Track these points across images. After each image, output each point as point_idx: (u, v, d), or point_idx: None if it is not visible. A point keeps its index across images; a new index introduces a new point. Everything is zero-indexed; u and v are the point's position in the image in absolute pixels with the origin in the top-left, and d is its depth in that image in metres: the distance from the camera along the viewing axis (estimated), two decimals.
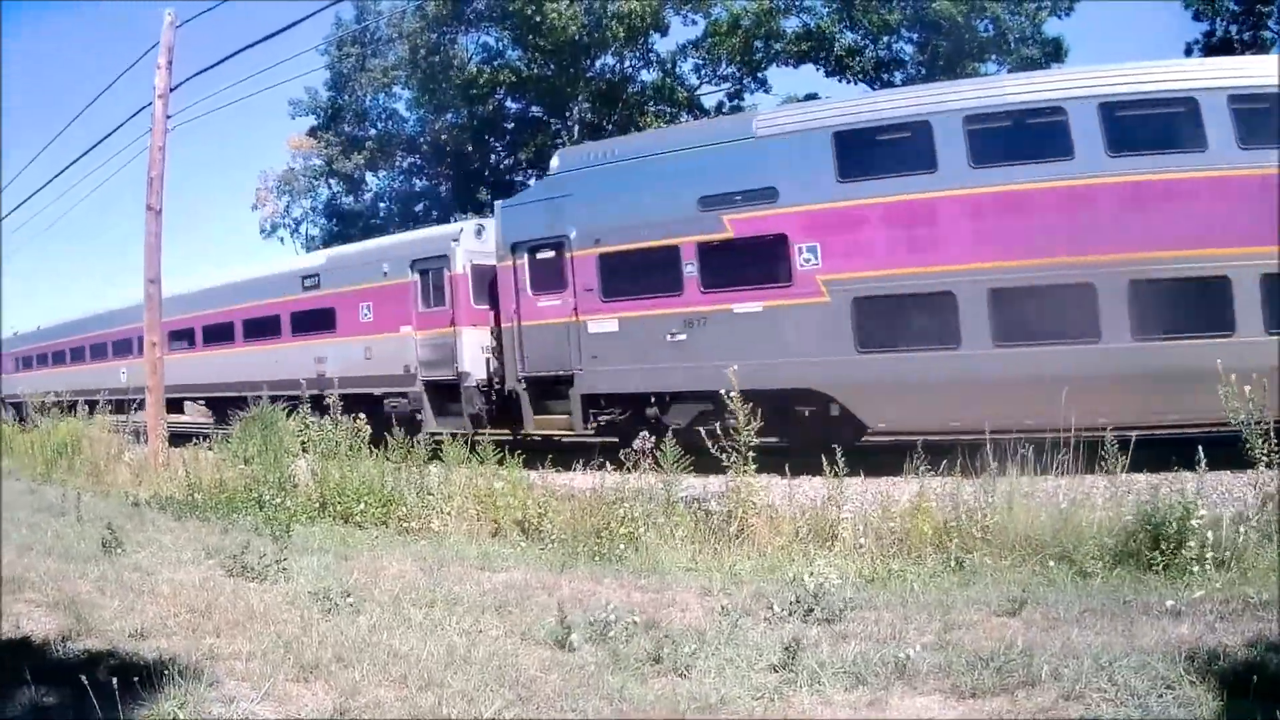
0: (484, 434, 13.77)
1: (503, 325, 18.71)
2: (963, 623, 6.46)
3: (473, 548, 10.14)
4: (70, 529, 10.86)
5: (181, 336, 27.44)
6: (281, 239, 61.10)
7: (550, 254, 17.61)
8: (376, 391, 21.04)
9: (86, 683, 5.45)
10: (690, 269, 15.90)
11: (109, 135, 26.47)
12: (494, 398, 19.33)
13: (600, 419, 17.17)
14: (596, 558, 9.24)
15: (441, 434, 16.18)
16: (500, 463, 11.84)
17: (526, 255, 17.91)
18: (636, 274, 16.64)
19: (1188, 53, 36.89)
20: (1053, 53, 39.31)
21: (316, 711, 5.30)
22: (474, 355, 19.57)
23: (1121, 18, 60.88)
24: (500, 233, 18.61)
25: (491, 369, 19.37)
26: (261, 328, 25.21)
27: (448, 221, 33.99)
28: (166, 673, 5.48)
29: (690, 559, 9.10)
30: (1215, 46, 36.00)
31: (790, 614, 6.84)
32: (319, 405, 15.49)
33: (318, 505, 12.43)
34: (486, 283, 19.42)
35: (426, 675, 5.69)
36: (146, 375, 18.44)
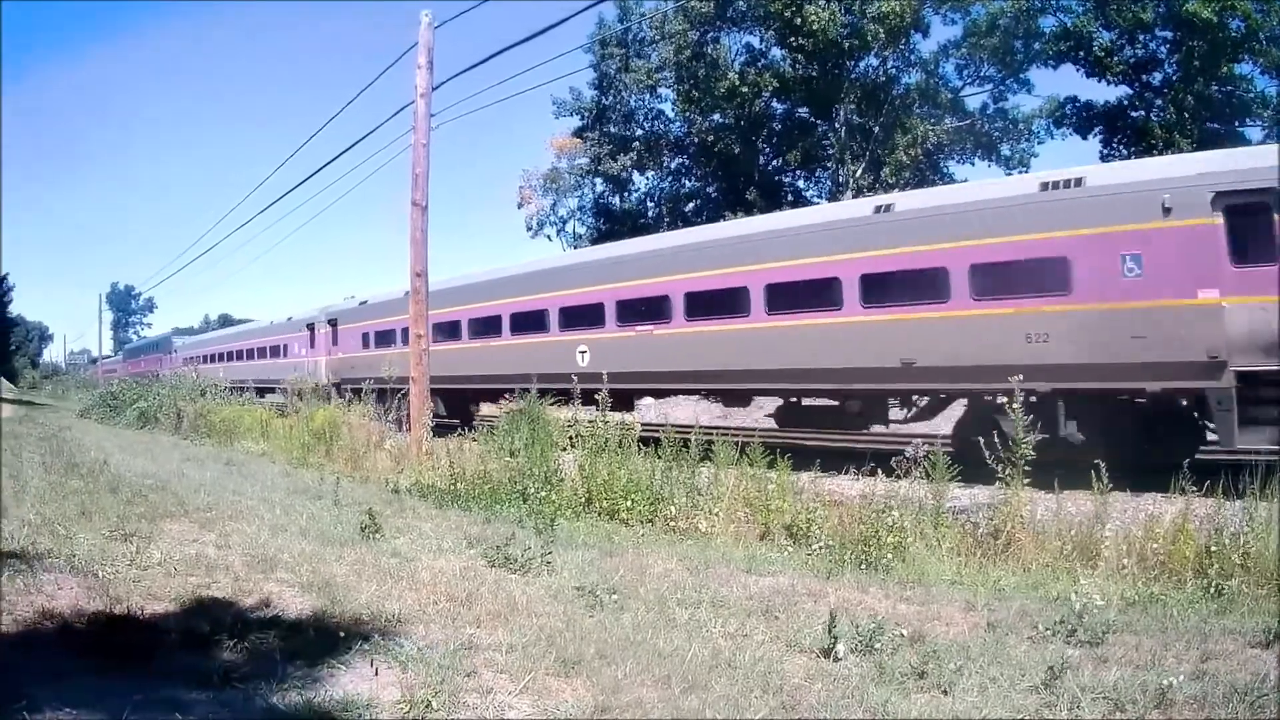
0: None
1: None
2: (1219, 652, 6.48)
3: (739, 550, 10.13)
4: (326, 513, 11.27)
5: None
6: (549, 236, 63.50)
7: None
8: None
9: (336, 663, 5.49)
10: None
11: (370, 133, 27.71)
12: None
13: None
14: (863, 566, 9.26)
15: None
16: (770, 466, 11.76)
17: None
18: None
19: None
20: None
21: (576, 707, 5.17)
22: None
23: None
24: None
25: None
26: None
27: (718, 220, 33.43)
28: (425, 659, 5.50)
29: (955, 571, 9.22)
30: None
31: (1054, 634, 6.89)
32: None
33: (583, 500, 12.56)
34: None
35: (691, 678, 5.65)
36: (411, 365, 19.27)
